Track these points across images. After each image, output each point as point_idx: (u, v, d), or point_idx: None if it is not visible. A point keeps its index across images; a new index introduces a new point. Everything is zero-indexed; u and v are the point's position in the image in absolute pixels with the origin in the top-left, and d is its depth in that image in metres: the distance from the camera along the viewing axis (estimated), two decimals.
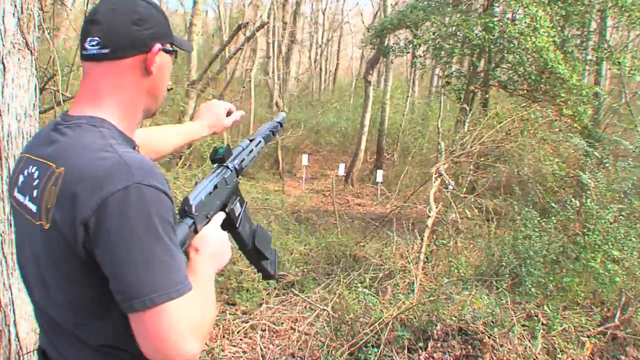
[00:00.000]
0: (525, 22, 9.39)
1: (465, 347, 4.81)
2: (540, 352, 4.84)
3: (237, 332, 5.95)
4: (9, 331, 2.84)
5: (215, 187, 1.75)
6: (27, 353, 2.89)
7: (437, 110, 15.31)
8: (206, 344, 5.70)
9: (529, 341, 4.87)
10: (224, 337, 5.89)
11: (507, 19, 10.13)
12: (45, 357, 1.52)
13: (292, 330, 5.98)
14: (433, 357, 4.78)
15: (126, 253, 1.26)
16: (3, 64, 2.85)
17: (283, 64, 18.67)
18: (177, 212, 1.53)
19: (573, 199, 6.65)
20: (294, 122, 17.61)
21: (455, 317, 4.97)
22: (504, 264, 6.31)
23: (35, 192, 1.40)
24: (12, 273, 2.80)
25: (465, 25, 9.87)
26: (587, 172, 6.86)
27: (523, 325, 5.08)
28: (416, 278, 5.95)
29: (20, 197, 1.47)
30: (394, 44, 13.76)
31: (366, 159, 18.01)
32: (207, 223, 1.65)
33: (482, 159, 8.46)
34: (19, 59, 2.92)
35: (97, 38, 1.46)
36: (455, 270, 6.39)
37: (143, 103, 1.57)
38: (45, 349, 1.53)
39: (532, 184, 7.87)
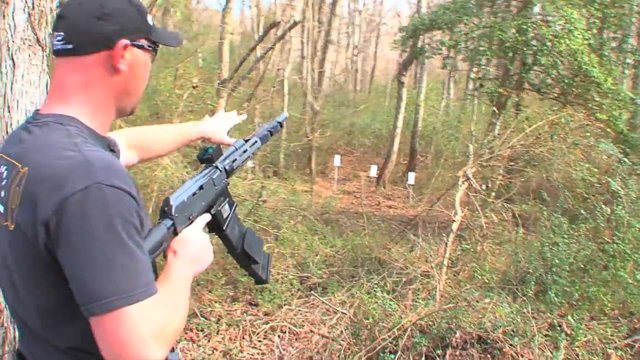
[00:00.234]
0: (559, 24, 9.22)
1: (484, 356, 4.71)
2: None
3: (257, 334, 5.94)
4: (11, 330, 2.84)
5: (201, 187, 1.70)
6: None
7: (471, 113, 15.18)
8: (224, 344, 5.71)
9: (551, 352, 4.76)
10: (243, 338, 5.88)
11: (541, 20, 9.92)
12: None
13: (312, 333, 5.94)
14: None
15: (85, 255, 1.23)
16: (13, 60, 2.85)
17: (317, 64, 18.64)
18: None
19: (603, 206, 6.50)
20: (327, 123, 17.57)
21: (475, 324, 4.86)
22: (530, 270, 6.19)
23: (3, 193, 1.37)
24: None
25: (497, 26, 9.73)
26: (617, 179, 6.68)
27: (546, 335, 4.96)
28: (439, 284, 5.87)
29: None
30: (426, 44, 13.64)
31: (399, 161, 17.89)
32: (189, 225, 1.61)
33: (512, 164, 8.31)
34: (29, 55, 2.91)
35: (62, 33, 1.43)
36: (479, 277, 6.27)
37: (114, 101, 1.52)
38: (23, 352, 1.50)
39: (561, 189, 7.71)
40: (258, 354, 5.63)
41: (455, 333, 4.79)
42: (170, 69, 10.15)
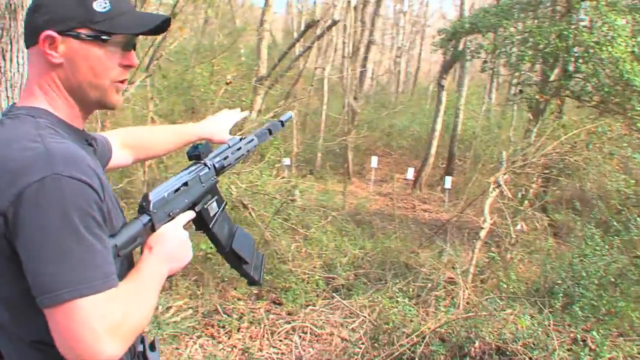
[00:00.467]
0: (602, 31, 9.01)
1: None
2: None
3: (278, 333, 5.93)
4: None
5: (185, 184, 1.69)
6: None
7: (510, 119, 14.94)
8: (244, 342, 5.71)
9: None
10: (264, 336, 5.87)
11: (584, 26, 9.71)
12: None
13: (333, 336, 5.91)
14: None
15: (39, 246, 1.22)
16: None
17: (359, 64, 18.59)
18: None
19: (638, 219, 6.33)
20: (362, 124, 17.51)
21: (495, 335, 4.76)
22: (559, 281, 6.05)
23: None
24: None
25: (538, 31, 9.55)
26: None
27: (569, 350, 4.83)
28: (462, 291, 5.77)
29: None
30: (467, 47, 13.47)
31: (437, 164, 17.74)
32: (169, 221, 1.59)
33: (546, 172, 8.15)
34: None
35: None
36: (505, 286, 6.15)
37: (69, 94, 1.48)
38: None
39: (595, 200, 7.55)
40: (277, 353, 5.62)
41: (474, 343, 4.69)
42: (206, 64, 10.21)
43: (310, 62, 16.32)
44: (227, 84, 8.93)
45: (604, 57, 8.85)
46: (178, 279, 6.46)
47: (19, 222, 1.22)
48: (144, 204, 1.52)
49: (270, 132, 2.30)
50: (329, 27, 11.29)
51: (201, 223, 1.82)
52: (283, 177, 9.98)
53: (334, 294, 6.67)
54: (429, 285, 6.47)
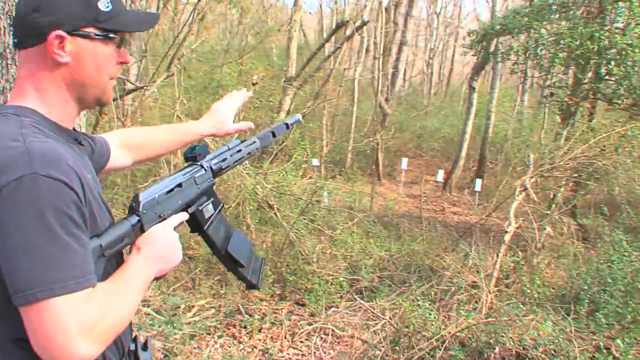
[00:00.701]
0: (635, 32, 8.85)
1: None
2: None
3: (299, 334, 5.93)
4: None
5: (179, 185, 1.69)
6: None
7: (542, 121, 14.77)
8: (264, 342, 5.72)
9: None
10: (285, 337, 5.87)
11: (616, 28, 9.53)
12: None
13: (354, 338, 5.89)
14: None
15: (13, 245, 1.23)
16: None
17: (391, 66, 18.52)
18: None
19: None
20: (391, 125, 17.44)
21: (515, 341, 4.70)
22: (585, 287, 5.96)
23: None
24: None
25: (569, 33, 9.40)
26: None
27: (592, 358, 4.75)
28: (485, 296, 5.71)
29: None
30: (499, 49, 13.34)
31: (468, 167, 17.62)
32: (160, 222, 1.60)
33: (575, 175, 8.03)
34: None
35: (12, 28, 1.46)
36: (528, 291, 6.07)
37: (69, 93, 1.51)
38: None
39: (624, 204, 7.41)
40: (297, 355, 5.62)
41: (494, 348, 4.64)
42: (234, 64, 10.25)
43: (342, 63, 16.32)
44: (253, 84, 8.95)
45: (637, 59, 8.69)
46: (201, 278, 6.50)
47: None
48: (134, 204, 1.53)
49: (274, 135, 2.28)
50: (359, 28, 11.27)
51: (195, 225, 1.82)
52: (311, 178, 10.00)
53: (355, 296, 6.64)
54: (452, 288, 6.42)
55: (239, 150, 2.05)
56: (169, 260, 1.58)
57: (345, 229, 8.07)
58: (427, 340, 4.85)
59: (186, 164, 1.84)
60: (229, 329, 5.86)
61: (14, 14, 1.48)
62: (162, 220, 1.61)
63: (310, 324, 6.09)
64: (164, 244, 1.56)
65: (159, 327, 5.16)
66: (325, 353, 5.63)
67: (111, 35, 1.50)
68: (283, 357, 5.54)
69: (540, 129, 13.43)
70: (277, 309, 6.37)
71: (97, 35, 1.48)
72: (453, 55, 36.02)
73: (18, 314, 1.29)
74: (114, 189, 7.25)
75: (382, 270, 7.56)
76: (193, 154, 1.83)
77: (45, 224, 1.23)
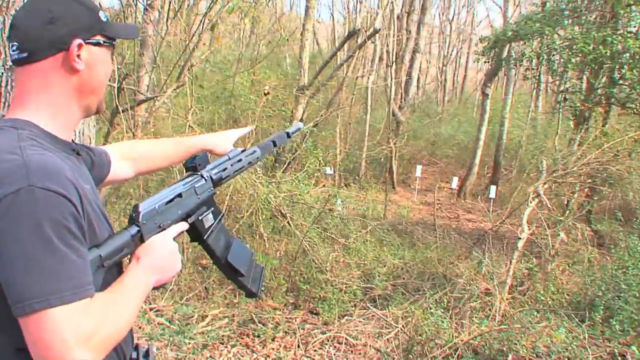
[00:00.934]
0: None
1: None
2: None
3: (313, 343, 5.92)
4: None
5: (180, 195, 1.71)
6: None
7: (556, 127, 14.68)
8: (277, 351, 5.72)
9: None
10: (298, 346, 5.86)
11: (629, 32, 9.47)
12: None
13: (367, 346, 5.87)
14: None
15: (11, 257, 1.24)
16: None
17: (404, 73, 18.52)
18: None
19: None
20: (404, 133, 17.42)
21: (528, 348, 4.67)
22: (600, 293, 5.91)
23: None
24: None
25: (581, 38, 9.36)
26: None
27: None
28: (499, 303, 5.68)
29: None
30: (512, 55, 13.31)
31: (482, 173, 17.55)
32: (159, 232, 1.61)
33: (589, 181, 7.97)
34: None
35: (16, 43, 1.47)
36: (542, 298, 6.03)
37: (78, 100, 1.55)
38: None
39: (639, 210, 7.35)
40: None
41: (507, 356, 4.62)
42: (246, 74, 10.28)
43: (355, 71, 16.33)
44: (265, 94, 8.97)
45: None
46: (214, 288, 6.51)
47: None
48: (133, 214, 1.54)
49: (275, 144, 2.29)
50: (370, 36, 11.26)
51: (195, 234, 1.83)
52: (324, 186, 10.00)
53: (369, 305, 6.62)
54: (466, 296, 6.39)
55: (240, 160, 2.07)
56: (168, 270, 1.59)
57: (359, 237, 8.06)
58: (440, 348, 4.83)
59: (186, 174, 1.86)
60: (242, 338, 5.85)
61: (15, 31, 1.48)
62: (162, 231, 1.62)
63: (323, 333, 6.07)
64: (163, 253, 1.58)
65: (170, 337, 5.17)
66: None
67: (114, 42, 1.60)
68: None
69: (555, 135, 13.36)
70: (290, 317, 6.36)
71: (105, 42, 1.57)
72: (467, 62, 35.97)
73: (19, 324, 1.30)
74: (127, 199, 7.27)
75: (396, 278, 7.53)
76: (193, 164, 1.85)
77: (43, 236, 1.25)
